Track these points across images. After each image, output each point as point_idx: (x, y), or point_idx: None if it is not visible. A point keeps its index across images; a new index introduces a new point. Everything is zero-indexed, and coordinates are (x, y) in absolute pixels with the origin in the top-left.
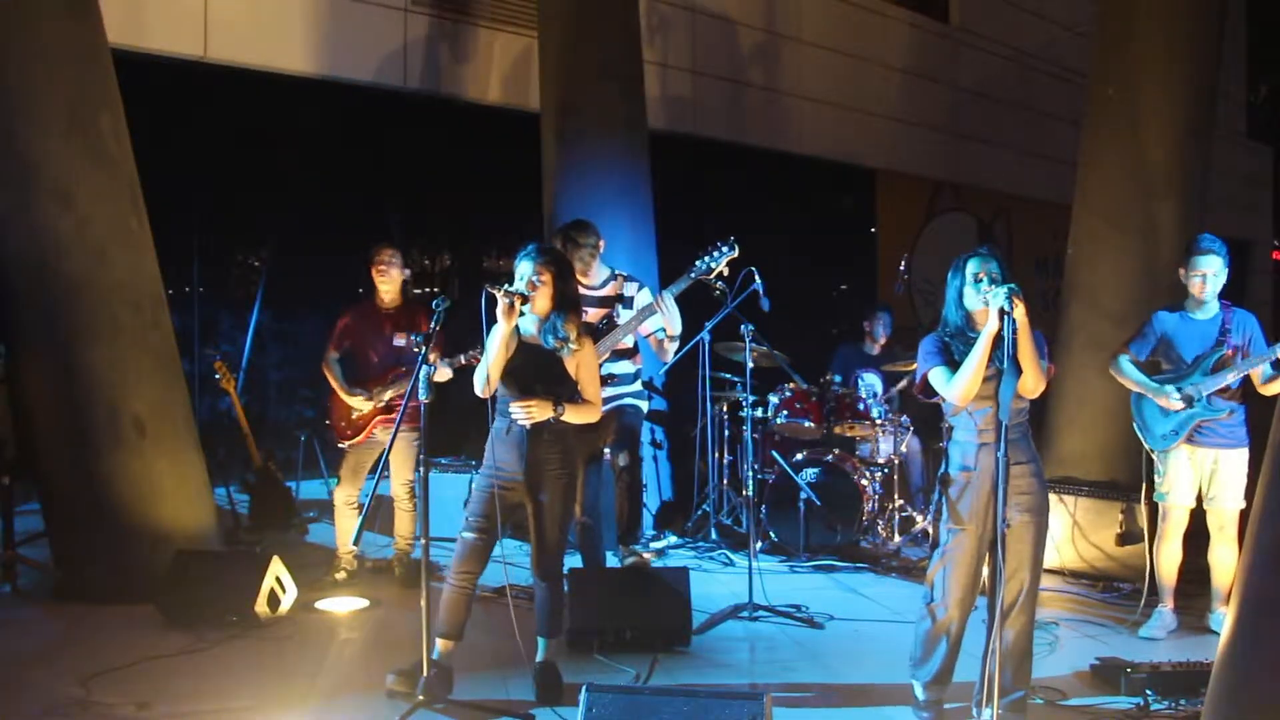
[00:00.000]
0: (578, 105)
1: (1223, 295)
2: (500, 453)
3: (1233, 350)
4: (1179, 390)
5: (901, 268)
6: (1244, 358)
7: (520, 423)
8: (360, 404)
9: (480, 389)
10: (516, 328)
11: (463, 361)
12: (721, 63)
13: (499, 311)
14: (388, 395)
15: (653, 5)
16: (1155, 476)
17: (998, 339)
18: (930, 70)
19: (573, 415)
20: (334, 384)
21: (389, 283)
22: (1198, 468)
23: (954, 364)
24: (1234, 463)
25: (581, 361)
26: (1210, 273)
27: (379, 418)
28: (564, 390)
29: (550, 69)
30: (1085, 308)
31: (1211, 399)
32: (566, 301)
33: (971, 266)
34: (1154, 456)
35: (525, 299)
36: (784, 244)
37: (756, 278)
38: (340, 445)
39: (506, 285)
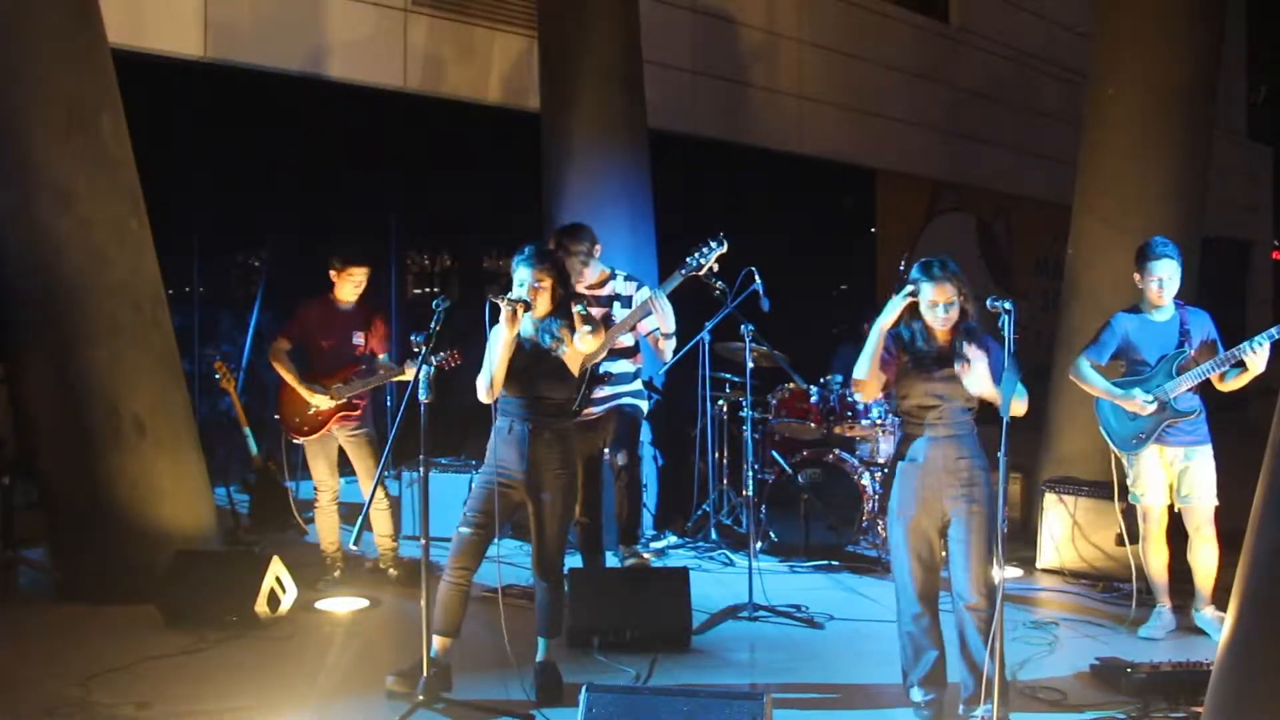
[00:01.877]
0: (578, 105)
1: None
2: (502, 451)
3: (1195, 351)
4: (1148, 393)
5: (901, 268)
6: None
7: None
8: (322, 401)
9: (484, 395)
10: (517, 330)
11: (434, 362)
12: (721, 63)
13: (502, 319)
14: (349, 393)
15: (653, 5)
16: (1127, 479)
17: (972, 334)
18: (930, 70)
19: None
20: (289, 378)
21: (356, 294)
22: (1168, 467)
23: (899, 355)
24: (1203, 460)
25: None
26: (1166, 276)
27: (340, 414)
28: (567, 387)
29: (550, 69)
30: (1085, 308)
31: (1178, 399)
32: (564, 304)
33: (926, 293)
34: (1122, 459)
35: (527, 305)
36: (784, 244)
37: (756, 278)
38: (295, 441)
39: (509, 294)
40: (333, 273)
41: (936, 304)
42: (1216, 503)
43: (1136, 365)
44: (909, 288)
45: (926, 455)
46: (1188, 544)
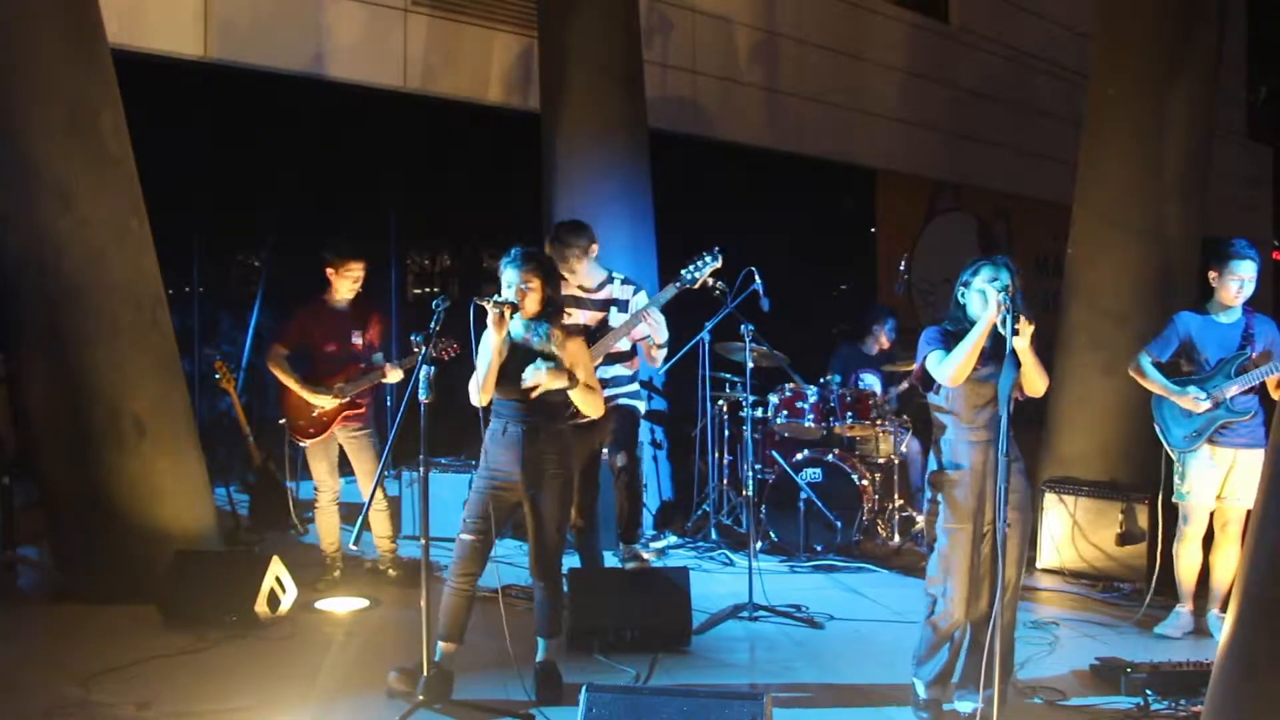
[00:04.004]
0: (578, 105)
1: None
2: (496, 454)
3: (1256, 354)
4: (1205, 392)
5: (901, 267)
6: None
7: (526, 382)
8: (325, 401)
9: (476, 398)
10: (507, 332)
11: (434, 352)
12: (721, 63)
13: (490, 322)
14: (352, 392)
15: (653, 5)
16: (1175, 477)
17: (994, 332)
18: (930, 70)
19: (581, 397)
20: (290, 382)
21: (355, 290)
22: (1219, 467)
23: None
24: (1252, 462)
25: (575, 357)
26: (1247, 278)
27: (344, 414)
28: (558, 391)
29: (550, 69)
30: (1085, 308)
31: (1235, 400)
32: (551, 305)
33: (985, 273)
34: (1174, 457)
35: (515, 307)
36: (784, 244)
37: (756, 278)
38: (301, 444)
39: (495, 296)
40: (330, 271)
41: (996, 279)
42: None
43: (1197, 365)
44: (998, 283)
45: (972, 460)
46: (1213, 543)
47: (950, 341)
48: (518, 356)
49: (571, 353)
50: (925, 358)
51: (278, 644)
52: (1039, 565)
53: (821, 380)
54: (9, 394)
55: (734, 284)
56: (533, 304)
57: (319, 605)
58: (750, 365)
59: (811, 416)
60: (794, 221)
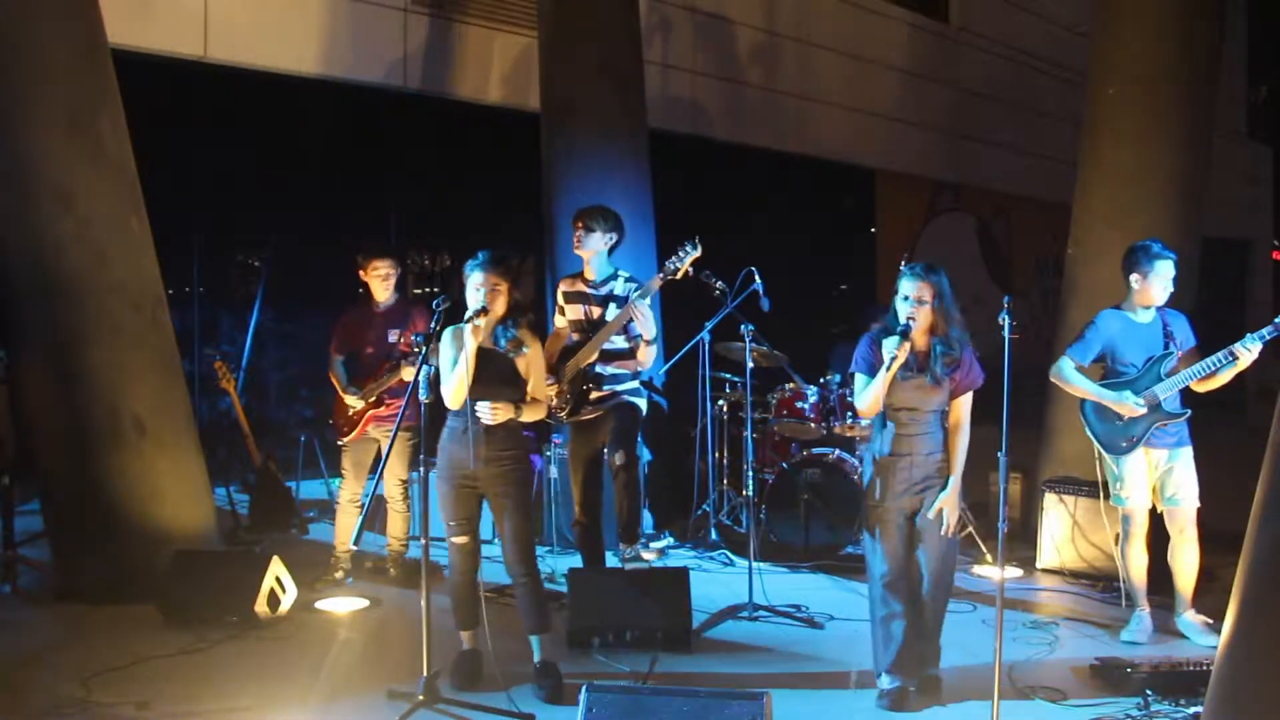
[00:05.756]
0: (578, 105)
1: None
2: (455, 450)
3: (1181, 353)
4: (1138, 395)
5: (902, 267)
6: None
7: (484, 421)
8: (354, 401)
9: (451, 402)
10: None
11: (434, 363)
12: (722, 63)
13: (467, 333)
14: (378, 390)
15: (653, 5)
16: (1111, 481)
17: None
18: (930, 70)
19: (526, 415)
20: (336, 385)
21: (386, 289)
22: (1153, 468)
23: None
24: (1186, 461)
25: (531, 362)
26: (1172, 277)
27: (371, 413)
28: (517, 389)
29: (550, 69)
30: (1085, 307)
31: (1168, 401)
32: (516, 305)
33: (901, 286)
34: (1108, 460)
35: (486, 312)
36: (784, 244)
37: (756, 278)
38: (340, 443)
39: (467, 313)
40: (361, 274)
41: (908, 297)
42: (1199, 504)
43: (1120, 366)
44: (901, 332)
45: (897, 448)
46: (1169, 547)
47: (876, 351)
48: (481, 358)
49: (530, 357)
50: (854, 372)
51: (278, 644)
52: (1039, 565)
53: (821, 380)
54: (9, 394)
55: (734, 284)
56: (500, 305)
57: (319, 605)
58: (750, 365)
59: (811, 416)
60: (794, 221)
